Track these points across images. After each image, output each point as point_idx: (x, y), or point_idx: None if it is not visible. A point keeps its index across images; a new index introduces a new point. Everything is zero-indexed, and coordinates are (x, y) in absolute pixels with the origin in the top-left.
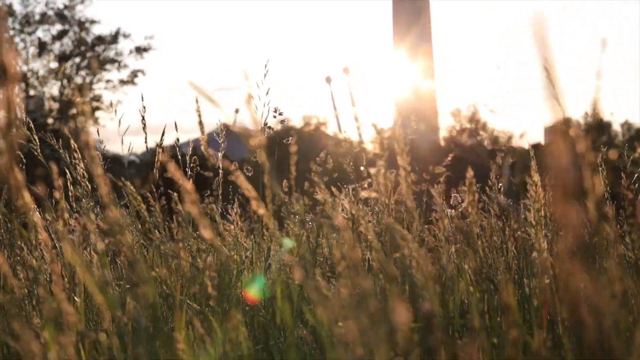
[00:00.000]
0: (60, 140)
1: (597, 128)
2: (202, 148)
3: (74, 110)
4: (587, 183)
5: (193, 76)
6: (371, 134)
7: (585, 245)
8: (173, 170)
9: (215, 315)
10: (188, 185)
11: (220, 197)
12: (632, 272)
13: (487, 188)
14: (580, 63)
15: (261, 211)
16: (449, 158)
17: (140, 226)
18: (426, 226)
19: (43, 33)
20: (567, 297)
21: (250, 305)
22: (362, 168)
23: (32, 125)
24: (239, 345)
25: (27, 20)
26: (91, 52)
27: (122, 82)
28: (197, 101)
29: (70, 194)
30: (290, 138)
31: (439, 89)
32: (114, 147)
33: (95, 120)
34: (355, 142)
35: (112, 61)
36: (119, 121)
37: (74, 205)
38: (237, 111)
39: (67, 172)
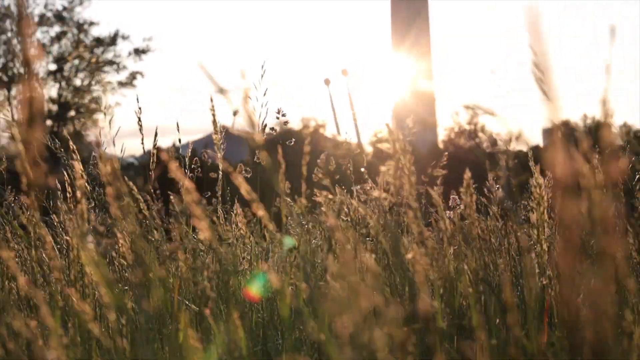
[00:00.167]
0: (60, 142)
1: (595, 131)
2: (215, 147)
3: (72, 113)
4: (587, 182)
5: (192, 77)
6: (370, 136)
7: (585, 244)
8: (174, 169)
9: (214, 317)
10: (189, 183)
11: (220, 198)
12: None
13: (485, 189)
14: (580, 63)
15: (260, 213)
16: (445, 158)
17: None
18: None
19: (42, 35)
20: (563, 297)
21: (249, 305)
22: (362, 169)
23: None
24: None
25: None
26: (90, 54)
27: (121, 84)
28: (211, 100)
29: (68, 195)
30: (292, 140)
31: (438, 90)
32: (112, 149)
33: (94, 123)
34: (354, 144)
35: (111, 63)
36: (109, 123)
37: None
38: (235, 113)
39: (65, 173)
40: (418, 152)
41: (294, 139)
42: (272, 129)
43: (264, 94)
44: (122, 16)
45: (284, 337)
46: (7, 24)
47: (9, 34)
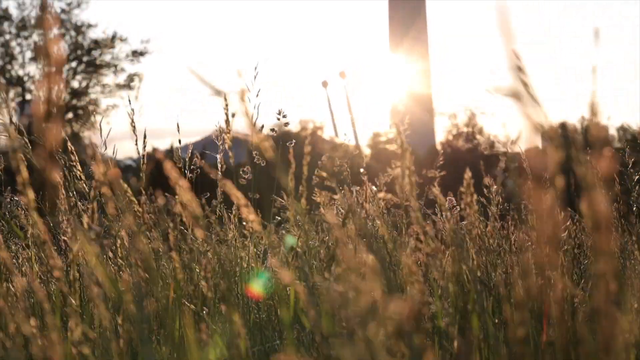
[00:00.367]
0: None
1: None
2: (227, 146)
3: (70, 115)
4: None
5: (192, 78)
6: (368, 138)
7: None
8: (169, 168)
9: (212, 317)
10: (184, 183)
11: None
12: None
13: (484, 190)
14: (580, 63)
15: (251, 217)
16: (441, 159)
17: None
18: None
19: (39, 37)
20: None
21: (248, 306)
22: (361, 170)
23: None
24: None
25: (23, 24)
26: (87, 56)
27: (119, 86)
28: (225, 99)
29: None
30: (293, 141)
31: (436, 91)
32: (109, 151)
33: (92, 125)
34: (352, 146)
35: (109, 65)
36: (100, 126)
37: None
38: (233, 115)
39: (64, 174)
40: (416, 154)
41: (294, 140)
42: (272, 129)
43: (256, 95)
44: (121, 18)
45: (282, 338)
46: (5, 26)
47: (7, 37)
